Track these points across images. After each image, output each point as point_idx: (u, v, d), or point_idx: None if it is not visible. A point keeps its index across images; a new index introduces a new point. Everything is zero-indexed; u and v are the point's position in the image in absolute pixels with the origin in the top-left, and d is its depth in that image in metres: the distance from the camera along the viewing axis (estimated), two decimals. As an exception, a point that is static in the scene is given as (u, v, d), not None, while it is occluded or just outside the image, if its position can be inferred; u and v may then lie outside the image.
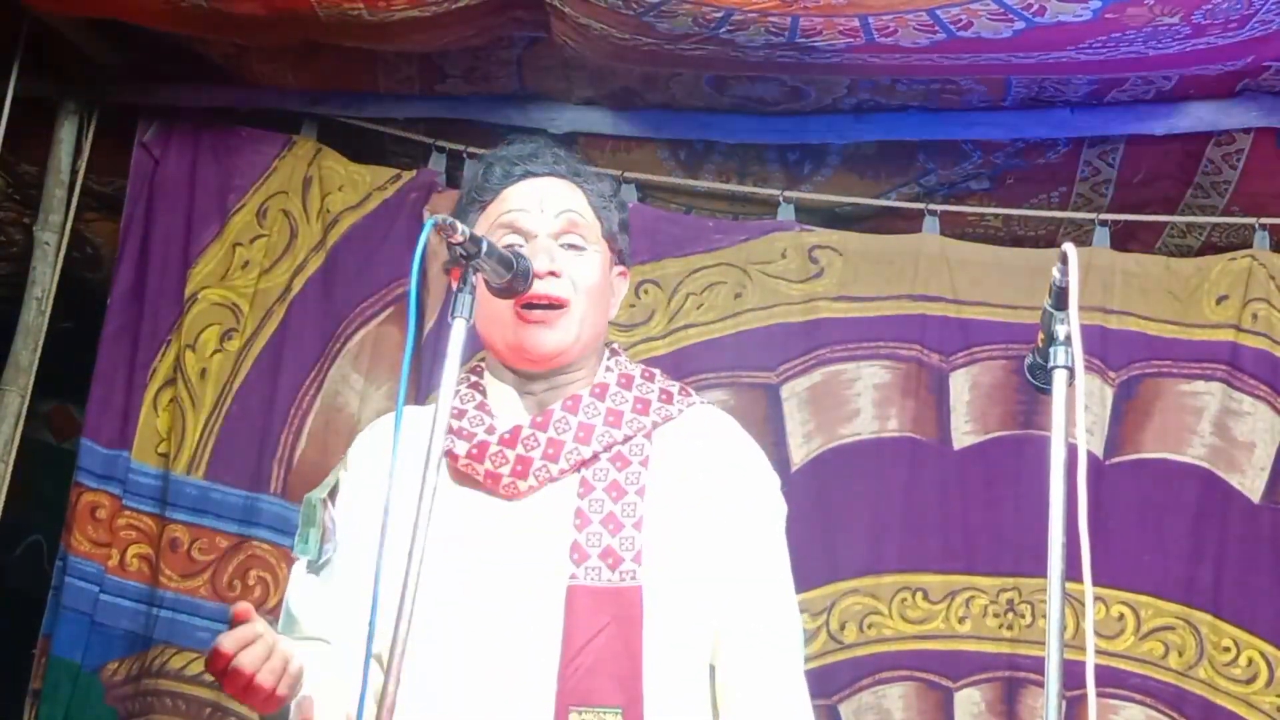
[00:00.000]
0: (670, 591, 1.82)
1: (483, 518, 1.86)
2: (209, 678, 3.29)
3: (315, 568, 1.90)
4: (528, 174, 1.96)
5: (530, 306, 1.86)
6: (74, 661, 3.34)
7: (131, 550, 3.40)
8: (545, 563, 1.81)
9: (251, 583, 3.36)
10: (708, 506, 1.89)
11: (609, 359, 1.98)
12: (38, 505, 3.64)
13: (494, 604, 1.81)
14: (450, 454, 1.87)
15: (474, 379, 1.98)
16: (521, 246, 1.88)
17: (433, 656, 1.76)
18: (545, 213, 1.92)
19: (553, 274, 1.87)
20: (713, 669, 1.88)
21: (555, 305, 1.87)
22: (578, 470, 1.87)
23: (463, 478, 1.89)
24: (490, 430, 1.88)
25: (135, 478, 3.43)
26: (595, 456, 1.87)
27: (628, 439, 1.89)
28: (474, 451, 1.86)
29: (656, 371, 2.01)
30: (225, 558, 3.37)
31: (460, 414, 1.91)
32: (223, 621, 3.33)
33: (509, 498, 1.86)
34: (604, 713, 1.75)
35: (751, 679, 1.86)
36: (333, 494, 1.95)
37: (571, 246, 1.92)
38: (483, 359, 2.03)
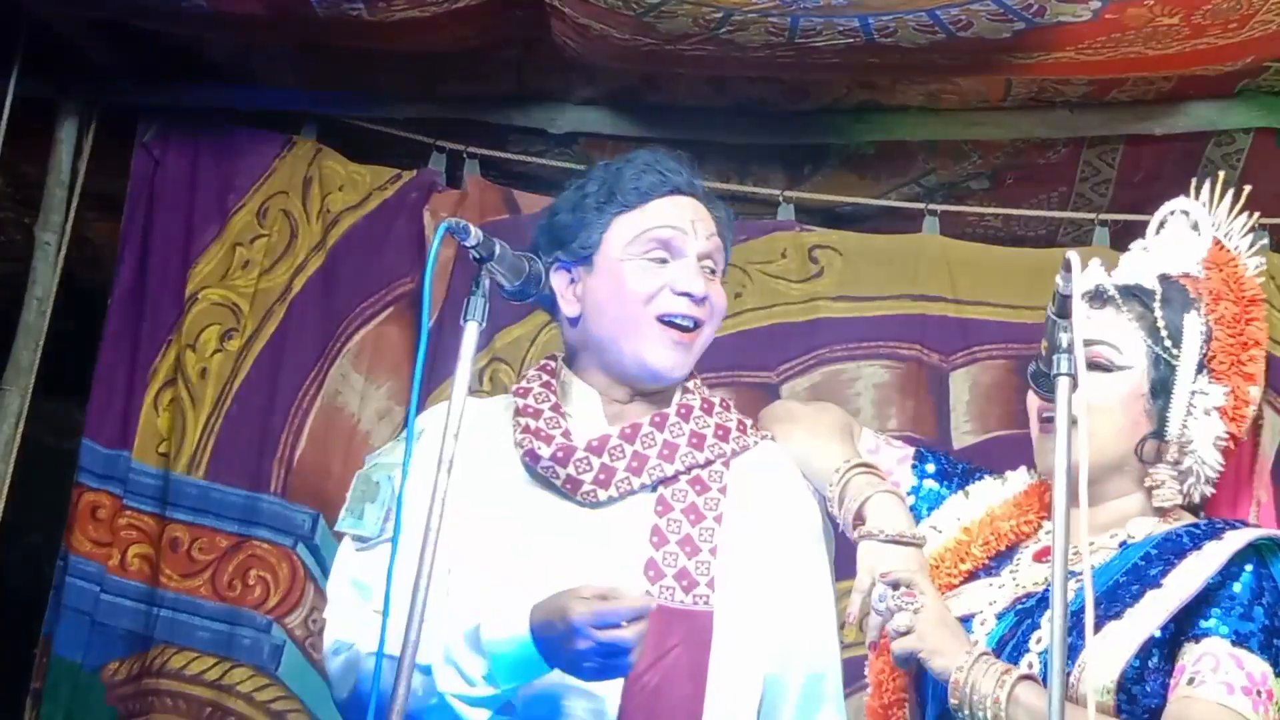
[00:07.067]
0: (739, 621, 1.84)
1: (559, 523, 1.86)
2: (209, 677, 3.33)
3: (371, 545, 1.83)
4: (677, 190, 1.96)
5: (673, 324, 1.88)
6: (74, 661, 3.34)
7: (132, 550, 3.40)
8: (618, 576, 1.78)
9: (251, 582, 3.36)
10: (774, 545, 1.92)
11: (687, 380, 1.98)
12: (38, 505, 3.63)
13: None
14: (530, 454, 1.87)
15: (546, 377, 1.97)
16: (665, 263, 1.90)
17: None
18: (698, 235, 1.94)
19: (690, 294, 1.89)
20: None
21: (697, 326, 1.90)
22: (655, 488, 1.87)
23: (540, 479, 1.88)
24: (567, 434, 1.88)
25: (136, 477, 3.42)
26: (675, 476, 1.88)
27: (708, 463, 1.90)
28: (559, 455, 1.86)
29: (730, 401, 2.04)
30: (225, 557, 3.36)
31: (535, 413, 1.91)
32: (223, 621, 3.35)
33: (588, 505, 1.86)
34: None
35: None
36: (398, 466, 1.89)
37: (711, 271, 1.95)
38: (553, 356, 2.01)
